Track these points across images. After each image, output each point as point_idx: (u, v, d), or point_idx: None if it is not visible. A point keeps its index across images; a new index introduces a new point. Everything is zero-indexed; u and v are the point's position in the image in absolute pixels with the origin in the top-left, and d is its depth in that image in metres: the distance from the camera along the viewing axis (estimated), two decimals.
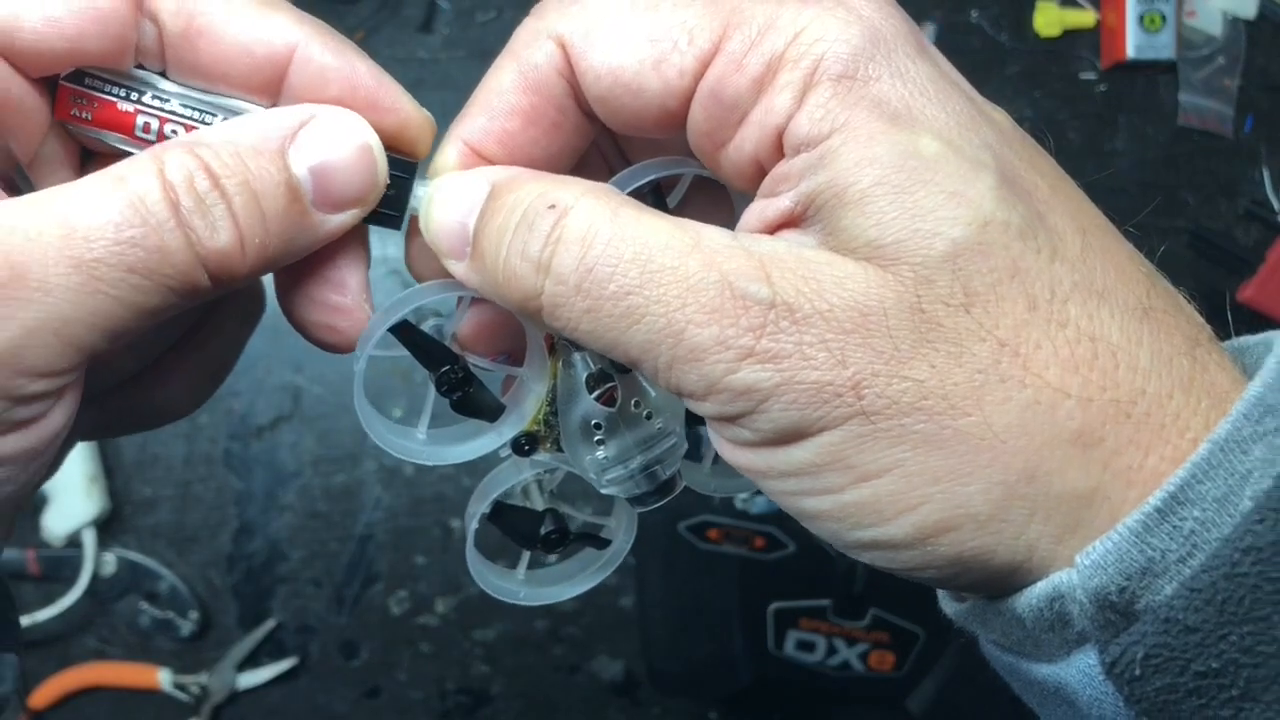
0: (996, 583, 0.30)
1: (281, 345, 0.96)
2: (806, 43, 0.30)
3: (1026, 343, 0.28)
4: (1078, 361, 0.28)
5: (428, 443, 0.37)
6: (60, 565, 0.94)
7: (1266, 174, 1.02)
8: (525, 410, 0.37)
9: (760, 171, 0.32)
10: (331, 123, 0.32)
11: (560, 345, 0.36)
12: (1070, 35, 1.02)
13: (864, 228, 0.29)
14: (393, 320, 0.34)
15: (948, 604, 0.36)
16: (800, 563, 0.90)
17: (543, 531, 0.38)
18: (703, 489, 0.41)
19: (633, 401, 0.37)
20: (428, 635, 0.99)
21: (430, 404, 0.37)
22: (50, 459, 0.32)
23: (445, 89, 0.98)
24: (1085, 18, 1.02)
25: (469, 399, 0.37)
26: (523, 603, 0.39)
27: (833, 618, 0.91)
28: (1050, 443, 0.28)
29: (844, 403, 0.28)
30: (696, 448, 0.41)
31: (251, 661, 0.98)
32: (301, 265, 0.34)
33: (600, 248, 0.29)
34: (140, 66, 0.34)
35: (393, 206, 0.34)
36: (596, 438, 0.36)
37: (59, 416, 0.31)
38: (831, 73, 0.30)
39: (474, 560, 0.38)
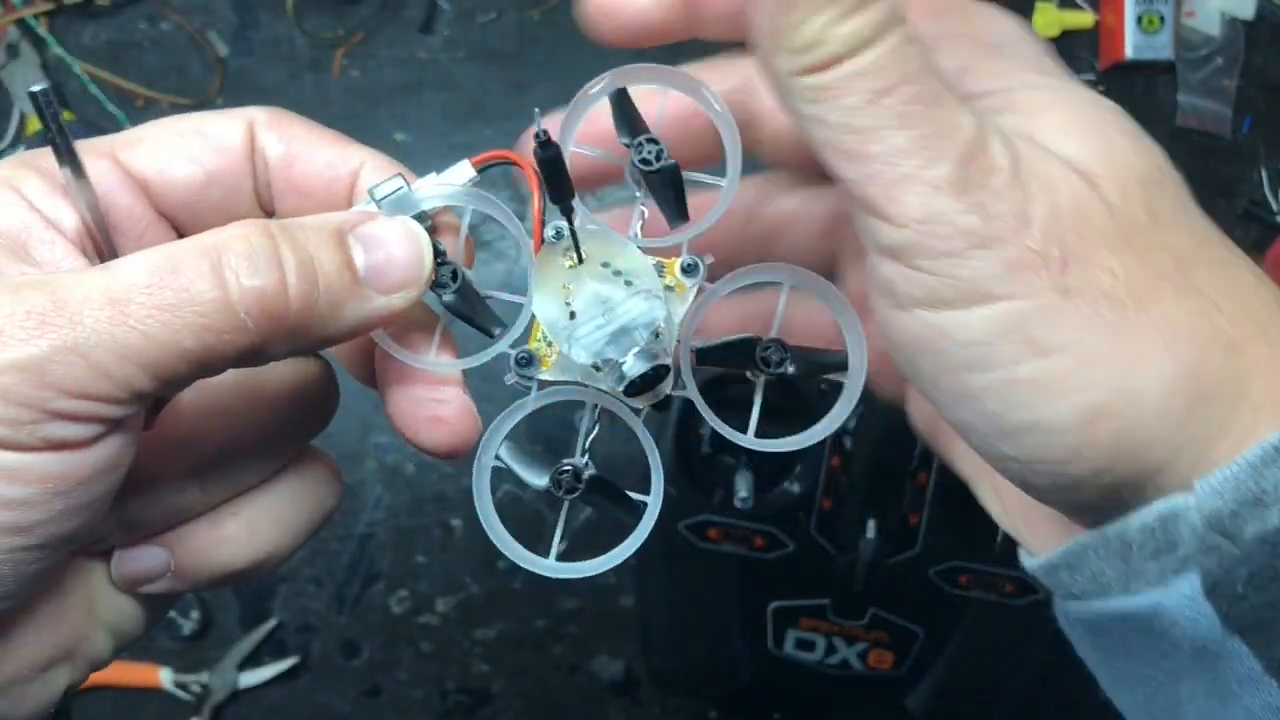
0: (1128, 491, 0.32)
1: None
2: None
3: (1193, 265, 0.32)
4: (1226, 290, 0.32)
5: (435, 359, 0.38)
6: None
7: (1265, 174, 1.02)
8: (522, 325, 0.38)
9: None
10: (389, 218, 0.36)
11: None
12: (1069, 36, 1.02)
13: (1067, 148, 0.33)
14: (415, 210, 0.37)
15: (1029, 558, 0.38)
16: (800, 562, 0.90)
17: (555, 470, 0.37)
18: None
19: (600, 262, 0.37)
20: (428, 634, 0.99)
21: (440, 332, 0.39)
22: (83, 508, 0.32)
23: (445, 89, 0.98)
24: (1084, 18, 1.02)
25: (461, 302, 0.37)
26: (545, 573, 0.38)
27: (832, 617, 0.92)
28: (1211, 345, 0.31)
29: (1050, 274, 0.31)
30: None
31: (252, 660, 0.98)
32: None
33: (914, 53, 0.31)
34: None
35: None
36: (565, 299, 0.37)
37: (99, 454, 0.31)
38: (990, 45, 0.35)
39: (489, 517, 0.37)
